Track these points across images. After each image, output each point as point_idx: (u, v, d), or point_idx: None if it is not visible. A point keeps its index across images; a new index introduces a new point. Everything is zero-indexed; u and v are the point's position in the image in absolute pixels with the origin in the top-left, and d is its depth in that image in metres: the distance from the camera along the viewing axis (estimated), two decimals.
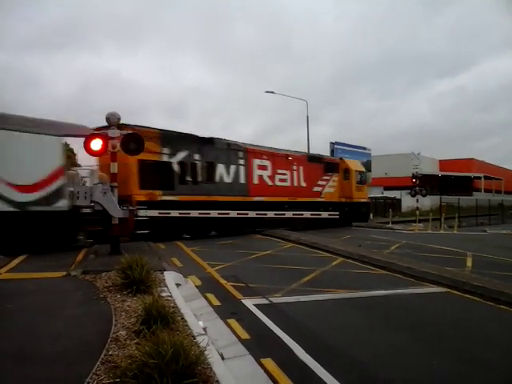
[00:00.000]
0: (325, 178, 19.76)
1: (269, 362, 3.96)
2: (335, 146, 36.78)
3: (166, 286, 6.24)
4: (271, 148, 17.67)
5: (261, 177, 16.66)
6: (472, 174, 50.01)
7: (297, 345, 4.43)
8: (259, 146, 17.36)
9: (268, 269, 8.87)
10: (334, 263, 9.66)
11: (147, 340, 3.33)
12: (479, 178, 49.76)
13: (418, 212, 23.72)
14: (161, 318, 4.14)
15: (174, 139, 13.97)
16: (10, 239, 9.07)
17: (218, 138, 15.50)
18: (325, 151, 33.43)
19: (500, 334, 5.13)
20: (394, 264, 8.95)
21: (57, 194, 9.64)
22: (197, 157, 14.49)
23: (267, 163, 16.99)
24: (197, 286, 6.95)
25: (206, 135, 15.15)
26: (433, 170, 48.73)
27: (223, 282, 7.38)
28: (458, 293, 6.95)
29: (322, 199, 19.47)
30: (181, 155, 13.99)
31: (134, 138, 8.88)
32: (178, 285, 6.56)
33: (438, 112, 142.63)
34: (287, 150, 18.32)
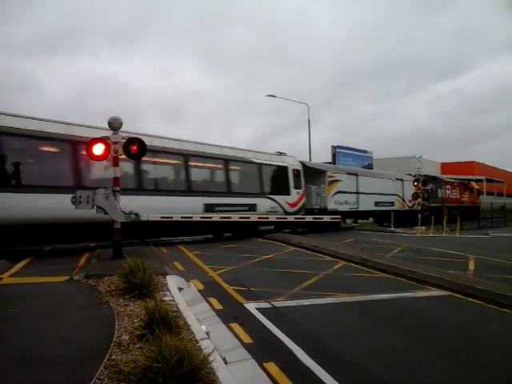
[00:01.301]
0: (465, 192, 36.78)
1: (271, 366, 3.96)
2: (337, 150, 36.83)
3: (169, 291, 6.25)
4: (449, 178, 36.51)
5: (448, 193, 33.34)
6: (474, 177, 49.91)
7: (299, 349, 4.44)
8: (449, 177, 35.10)
9: (270, 272, 8.87)
10: (335, 267, 9.66)
11: (151, 344, 3.34)
12: (481, 180, 49.67)
13: (419, 215, 23.70)
14: (163, 323, 4.15)
15: (428, 180, 27.46)
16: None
17: (438, 176, 34.63)
18: (324, 154, 33.91)
19: (502, 337, 5.12)
20: (396, 267, 8.93)
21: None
22: (433, 186, 30.17)
23: (449, 186, 33.90)
24: (199, 290, 6.95)
25: (430, 175, 31.36)
26: (434, 173, 48.62)
27: (225, 285, 7.39)
28: (460, 296, 6.94)
29: (464, 204, 35.75)
30: (430, 185, 28.36)
31: (136, 143, 8.93)
32: (180, 289, 6.57)
33: (436, 115, 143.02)
34: (451, 177, 35.92)
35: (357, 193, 22.42)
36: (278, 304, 6.25)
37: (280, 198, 17.36)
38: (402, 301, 6.70)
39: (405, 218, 25.26)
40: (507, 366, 4.24)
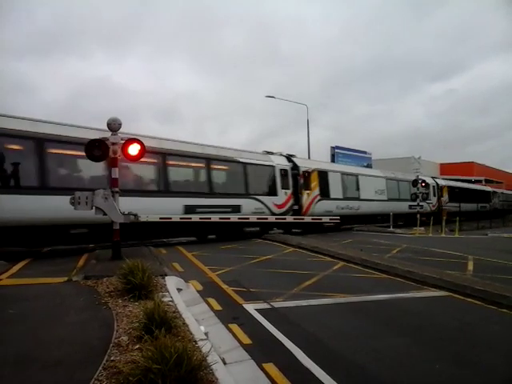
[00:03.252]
0: None
1: (271, 367, 3.96)
2: (336, 151, 36.89)
3: (168, 291, 6.24)
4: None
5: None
6: (473, 178, 50.02)
7: (298, 349, 4.43)
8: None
9: (269, 273, 8.86)
10: (335, 267, 9.66)
11: (150, 345, 3.34)
12: (480, 181, 49.79)
13: (418, 216, 23.71)
14: (162, 323, 4.14)
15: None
16: None
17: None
18: (320, 154, 33.74)
19: (502, 337, 5.12)
20: (395, 268, 8.94)
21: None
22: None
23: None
24: (198, 291, 6.94)
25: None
26: (433, 173, 48.67)
27: (224, 286, 7.38)
28: (459, 296, 6.95)
29: None
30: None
31: (134, 144, 8.91)
32: (179, 290, 6.56)
33: (432, 115, 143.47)
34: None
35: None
36: (277, 305, 6.25)
37: None
38: (401, 301, 6.70)
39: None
40: (508, 367, 4.23)
